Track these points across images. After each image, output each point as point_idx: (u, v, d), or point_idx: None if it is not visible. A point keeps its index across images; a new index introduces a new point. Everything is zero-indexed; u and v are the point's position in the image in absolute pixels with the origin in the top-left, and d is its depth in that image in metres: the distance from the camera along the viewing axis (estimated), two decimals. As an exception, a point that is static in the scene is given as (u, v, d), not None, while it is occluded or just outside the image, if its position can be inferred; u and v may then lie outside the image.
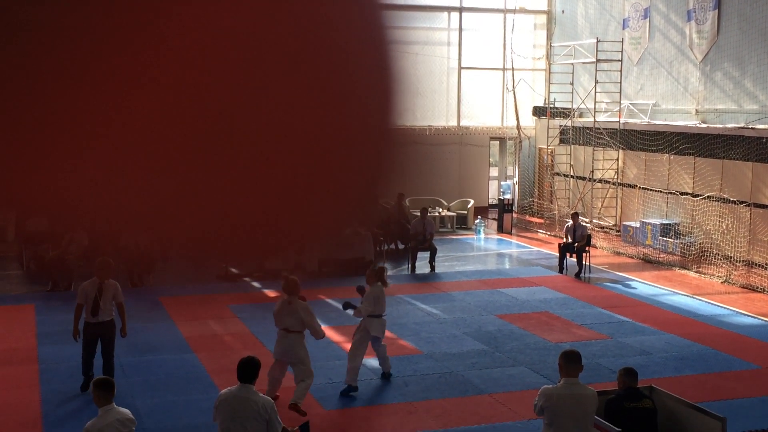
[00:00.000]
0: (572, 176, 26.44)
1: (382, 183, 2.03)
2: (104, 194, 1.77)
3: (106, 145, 1.72)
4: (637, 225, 22.92)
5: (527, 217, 27.74)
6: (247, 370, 7.62)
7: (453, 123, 28.30)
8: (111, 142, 1.72)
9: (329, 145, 1.87)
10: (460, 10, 28.10)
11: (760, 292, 17.66)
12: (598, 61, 24.51)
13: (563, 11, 28.19)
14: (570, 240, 19.34)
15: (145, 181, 1.76)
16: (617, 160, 24.53)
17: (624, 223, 23.83)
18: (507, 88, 28.50)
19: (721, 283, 18.55)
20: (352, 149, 1.91)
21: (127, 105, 1.70)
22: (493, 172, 29.92)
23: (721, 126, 20.84)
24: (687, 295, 17.40)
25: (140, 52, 1.68)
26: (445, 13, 28.17)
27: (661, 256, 21.16)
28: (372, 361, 12.32)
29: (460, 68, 28.26)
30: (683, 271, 19.76)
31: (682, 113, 22.69)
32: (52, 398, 10.95)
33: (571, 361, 7.62)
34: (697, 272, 19.51)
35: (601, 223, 24.89)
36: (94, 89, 1.68)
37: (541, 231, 25.50)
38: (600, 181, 25.04)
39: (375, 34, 1.91)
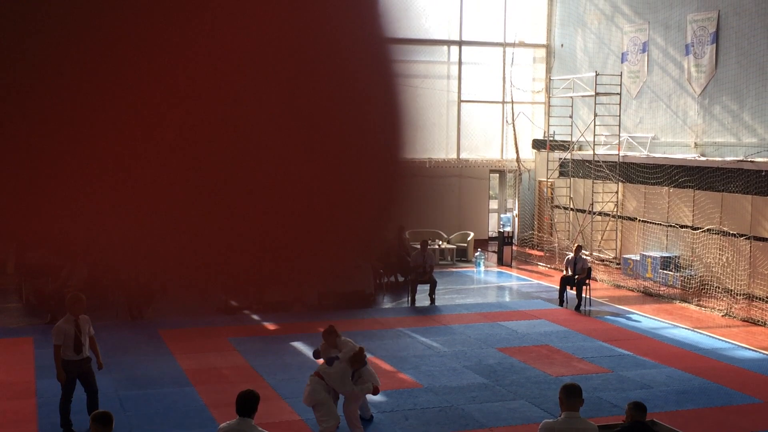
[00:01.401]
0: (572, 209, 26.47)
1: (391, 215, 2.04)
2: (104, 225, 1.77)
3: (107, 176, 1.72)
4: (637, 258, 22.91)
5: (527, 250, 27.72)
6: (246, 403, 7.59)
7: (453, 155, 28.38)
8: (111, 172, 1.72)
9: (337, 178, 1.87)
10: (460, 43, 28.28)
11: (761, 325, 17.61)
12: (597, 94, 24.63)
13: (562, 45, 28.37)
14: (570, 273, 19.32)
15: (145, 211, 1.76)
16: (617, 192, 24.57)
17: (624, 256, 23.81)
18: (506, 121, 28.61)
19: (722, 316, 18.51)
20: (361, 182, 1.92)
21: (129, 137, 1.70)
22: (493, 204, 29.95)
23: (720, 159, 20.90)
24: (688, 329, 17.35)
25: (142, 86, 1.68)
26: (445, 47, 28.35)
27: (662, 289, 21.13)
28: (371, 396, 12.25)
29: (460, 101, 28.40)
30: (684, 304, 19.72)
31: (681, 146, 22.77)
32: (50, 432, 10.88)
33: (571, 395, 7.58)
34: (697, 305, 19.46)
35: (601, 255, 24.87)
36: (96, 120, 1.69)
37: (541, 264, 25.47)
38: (600, 213, 25.06)
39: (382, 67, 1.92)
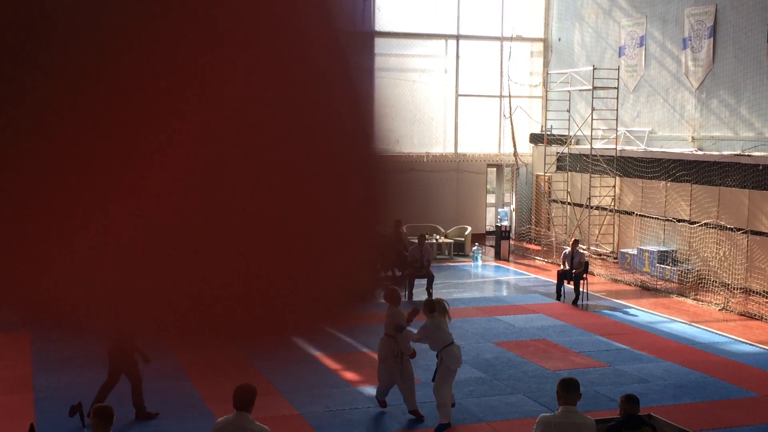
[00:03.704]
0: (569, 203, 26.46)
1: (379, 210, 1.97)
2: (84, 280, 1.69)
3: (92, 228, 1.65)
4: (635, 252, 22.91)
5: (524, 244, 27.73)
6: (243, 397, 7.58)
7: (450, 150, 28.36)
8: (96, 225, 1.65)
9: (322, 185, 1.80)
10: (457, 37, 28.25)
11: (757, 319, 17.63)
12: (594, 88, 24.62)
13: (560, 39, 28.34)
14: (567, 267, 19.33)
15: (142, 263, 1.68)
16: (614, 187, 24.58)
17: (621, 250, 23.83)
18: (504, 115, 28.60)
19: (719, 310, 18.52)
20: (342, 180, 1.84)
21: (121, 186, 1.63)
22: (491, 199, 29.95)
23: (717, 153, 20.90)
24: (685, 323, 17.37)
25: (135, 132, 1.62)
26: (443, 41, 28.32)
27: (659, 283, 21.14)
28: (370, 389, 12.26)
29: (458, 95, 28.37)
30: (681, 299, 19.74)
31: (679, 140, 22.77)
32: (48, 427, 10.86)
33: (568, 389, 7.58)
34: (694, 299, 19.48)
35: (599, 250, 24.88)
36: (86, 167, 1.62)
37: (539, 258, 25.48)
38: (597, 208, 25.06)
39: (343, 60, 1.83)
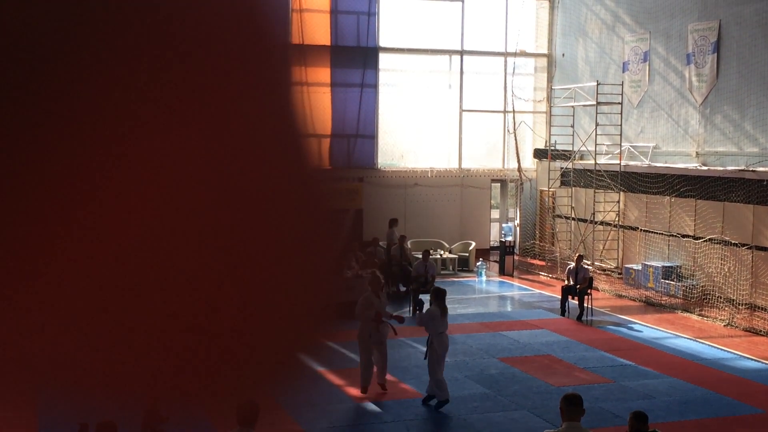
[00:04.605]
0: (573, 218, 26.44)
1: (325, 224, 1.94)
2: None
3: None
4: (639, 267, 22.87)
5: (529, 260, 27.68)
6: (247, 413, 7.57)
7: (454, 165, 28.37)
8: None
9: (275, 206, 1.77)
10: (461, 53, 28.30)
11: (763, 335, 17.57)
12: (598, 103, 24.63)
13: (563, 54, 28.39)
14: (572, 282, 19.29)
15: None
16: (618, 202, 24.55)
17: (626, 265, 23.78)
18: (508, 131, 28.61)
19: (724, 326, 18.47)
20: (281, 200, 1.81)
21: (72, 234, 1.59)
22: (495, 214, 29.93)
23: (721, 168, 20.89)
24: (690, 339, 17.31)
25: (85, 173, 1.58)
26: (447, 56, 28.37)
27: (663, 298, 21.08)
28: (374, 406, 12.24)
29: (462, 111, 28.40)
30: (686, 314, 19.68)
31: (683, 156, 22.76)
32: (50, 442, 10.85)
33: (572, 405, 7.56)
34: (699, 315, 19.42)
35: (603, 265, 24.83)
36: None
37: (543, 273, 25.44)
38: (601, 223, 25.03)
39: (276, 76, 1.79)
